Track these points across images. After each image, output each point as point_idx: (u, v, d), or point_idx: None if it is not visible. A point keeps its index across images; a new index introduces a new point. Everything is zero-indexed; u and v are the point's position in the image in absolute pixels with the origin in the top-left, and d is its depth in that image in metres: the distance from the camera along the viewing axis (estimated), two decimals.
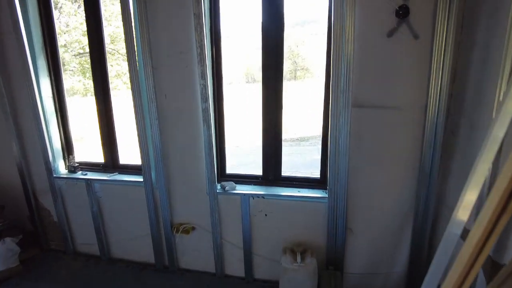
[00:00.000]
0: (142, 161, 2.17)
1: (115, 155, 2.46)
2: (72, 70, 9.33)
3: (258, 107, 2.05)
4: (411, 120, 1.75)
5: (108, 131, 2.41)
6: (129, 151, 3.10)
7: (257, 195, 2.06)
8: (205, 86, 1.92)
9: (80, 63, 8.98)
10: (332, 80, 1.75)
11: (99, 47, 2.23)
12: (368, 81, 1.75)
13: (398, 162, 1.84)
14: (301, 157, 6.73)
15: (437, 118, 1.68)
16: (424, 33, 1.62)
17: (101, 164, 2.51)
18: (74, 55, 8.93)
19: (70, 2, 8.55)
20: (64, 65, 9.14)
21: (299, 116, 9.06)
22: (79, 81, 9.15)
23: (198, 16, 1.82)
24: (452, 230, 1.18)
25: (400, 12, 1.61)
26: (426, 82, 1.67)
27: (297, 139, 8.09)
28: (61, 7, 9.10)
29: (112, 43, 8.81)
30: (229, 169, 2.28)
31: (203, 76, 1.91)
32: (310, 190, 2.06)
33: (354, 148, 1.84)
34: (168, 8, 1.90)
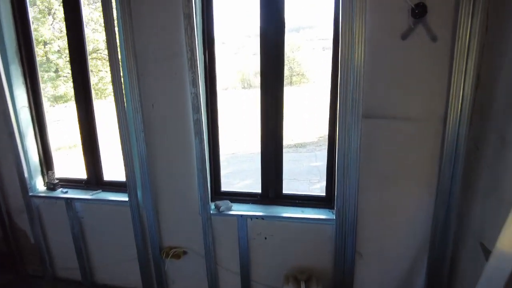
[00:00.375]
0: (127, 178, 1.95)
1: (99, 170, 2.23)
2: (66, 76, 9.12)
3: (255, 113, 1.85)
4: (428, 132, 1.56)
5: (90, 144, 2.18)
6: (116, 166, 2.87)
7: (256, 216, 1.84)
8: (196, 95, 1.71)
9: None
10: (340, 87, 1.55)
11: (80, 52, 2.03)
12: (381, 89, 1.56)
13: (413, 179, 1.64)
14: (299, 164, 6.57)
15: (458, 130, 1.48)
16: (443, 35, 1.44)
17: (83, 180, 2.28)
18: (68, 61, 8.73)
19: None
20: (57, 71, 8.95)
21: (297, 122, 8.93)
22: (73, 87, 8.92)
23: (189, 17, 1.62)
24: (498, 266, 0.96)
25: (416, 11, 1.42)
26: (446, 90, 1.48)
27: (294, 146, 7.96)
28: (54, 13, 8.92)
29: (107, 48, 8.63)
30: (224, 178, 2.06)
31: (195, 83, 1.70)
32: (315, 209, 1.85)
33: (365, 164, 1.64)
34: (155, 8, 1.70)
